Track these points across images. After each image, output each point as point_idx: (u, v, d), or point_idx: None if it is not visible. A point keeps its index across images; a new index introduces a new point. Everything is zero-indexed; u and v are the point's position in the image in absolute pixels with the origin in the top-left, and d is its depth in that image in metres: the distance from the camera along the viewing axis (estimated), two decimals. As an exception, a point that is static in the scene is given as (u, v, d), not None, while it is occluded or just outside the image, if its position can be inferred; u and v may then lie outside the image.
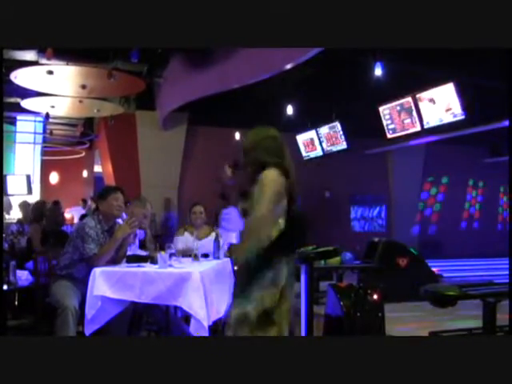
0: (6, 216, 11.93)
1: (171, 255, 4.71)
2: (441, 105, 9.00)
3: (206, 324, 4.21)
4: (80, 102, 12.18)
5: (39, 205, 7.64)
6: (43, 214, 7.43)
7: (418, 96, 9.45)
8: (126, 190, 5.35)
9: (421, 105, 9.38)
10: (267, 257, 3.24)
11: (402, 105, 9.82)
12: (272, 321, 3.25)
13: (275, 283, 3.26)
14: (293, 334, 3.42)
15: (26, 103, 12.36)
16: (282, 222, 3.30)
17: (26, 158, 16.24)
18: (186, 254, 5.43)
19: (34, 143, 16.16)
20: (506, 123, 10.60)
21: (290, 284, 3.37)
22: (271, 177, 3.23)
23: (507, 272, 4.91)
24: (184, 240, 5.77)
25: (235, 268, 4.45)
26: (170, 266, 4.53)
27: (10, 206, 12.39)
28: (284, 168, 3.30)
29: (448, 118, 8.94)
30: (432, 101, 9.13)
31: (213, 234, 5.90)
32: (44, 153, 16.77)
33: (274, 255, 3.26)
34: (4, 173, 14.40)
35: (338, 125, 12.28)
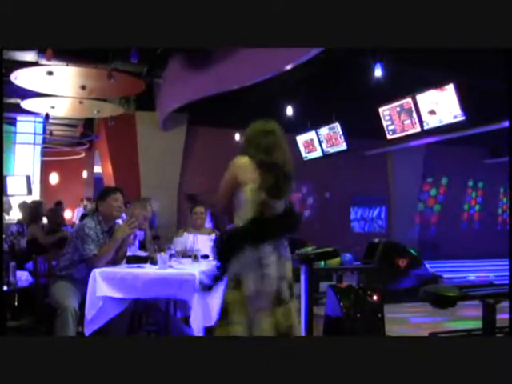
0: (6, 217, 11.92)
1: (171, 256, 4.71)
2: (440, 105, 9.00)
3: (207, 324, 4.21)
4: (80, 102, 12.19)
5: (36, 204, 7.63)
6: (41, 214, 7.43)
7: (417, 97, 9.45)
8: (125, 190, 5.35)
9: (420, 106, 9.37)
10: (232, 246, 3.34)
11: (401, 106, 9.82)
12: (227, 317, 3.28)
13: (236, 275, 3.31)
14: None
15: (25, 104, 12.36)
16: (248, 212, 3.32)
17: (25, 159, 16.25)
18: (186, 254, 5.44)
19: (34, 144, 16.16)
20: (506, 124, 10.60)
21: (261, 276, 3.30)
22: (236, 163, 3.41)
23: (507, 273, 4.91)
24: (183, 241, 5.78)
25: None
26: (170, 266, 4.53)
27: (9, 207, 12.38)
28: (268, 162, 3.38)
29: (448, 119, 8.94)
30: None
31: (213, 235, 5.90)
32: (44, 153, 16.77)
33: (239, 245, 3.31)
34: (4, 173, 14.41)
35: (337, 126, 12.27)
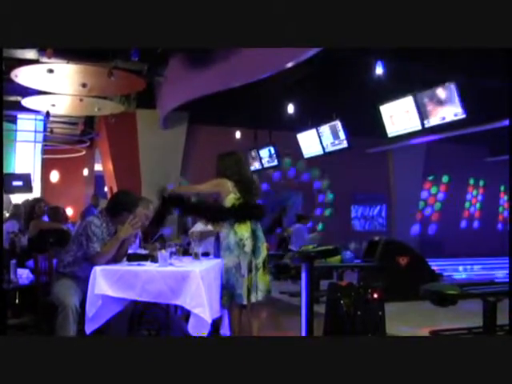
0: (7, 214, 11.91)
1: (171, 254, 4.71)
2: (441, 104, 8.98)
3: (208, 320, 4.21)
4: (80, 100, 12.18)
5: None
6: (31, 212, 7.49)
7: (418, 95, 9.43)
8: (126, 188, 5.36)
9: (421, 104, 9.35)
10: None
11: (402, 103, 9.79)
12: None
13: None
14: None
15: (26, 102, 12.35)
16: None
17: (26, 157, 16.22)
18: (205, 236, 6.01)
19: (35, 142, 16.12)
20: (507, 122, 10.58)
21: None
22: (221, 182, 5.18)
23: (507, 271, 4.92)
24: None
25: None
26: (171, 264, 4.53)
27: (10, 205, 12.36)
28: (241, 180, 5.18)
29: (449, 117, 8.92)
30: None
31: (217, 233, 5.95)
32: (44, 151, 16.75)
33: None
34: (4, 171, 14.39)
35: (338, 123, 12.24)
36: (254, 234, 5.08)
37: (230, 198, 5.12)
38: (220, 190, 5.19)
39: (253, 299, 4.99)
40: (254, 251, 5.04)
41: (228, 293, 4.97)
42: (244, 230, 5.04)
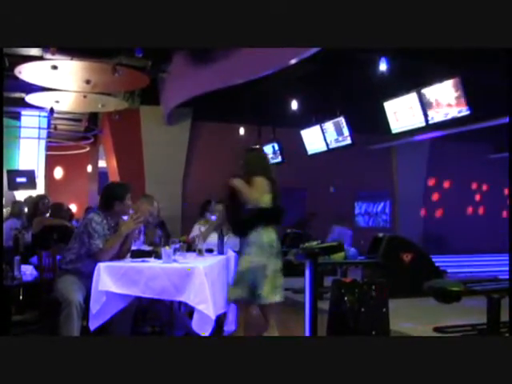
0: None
1: (175, 250, 4.71)
2: (445, 100, 8.96)
3: (212, 317, 4.21)
4: (84, 96, 12.17)
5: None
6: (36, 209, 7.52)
7: (422, 91, 9.41)
8: (130, 185, 5.37)
9: (425, 100, 9.34)
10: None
11: (406, 100, 9.77)
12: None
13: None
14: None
15: (30, 98, 12.35)
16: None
17: (30, 153, 16.23)
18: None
19: (39, 138, 16.13)
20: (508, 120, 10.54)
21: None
22: (258, 182, 5.13)
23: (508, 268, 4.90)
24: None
25: None
26: (175, 261, 4.53)
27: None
28: (272, 178, 5.25)
29: (452, 114, 8.90)
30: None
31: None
32: (48, 148, 16.76)
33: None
34: (8, 168, 14.42)
35: (342, 120, 12.22)
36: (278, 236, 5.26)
37: (266, 197, 5.17)
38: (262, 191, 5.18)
39: (272, 300, 5.15)
40: (278, 254, 5.25)
41: (250, 291, 5.10)
42: (273, 232, 5.22)
